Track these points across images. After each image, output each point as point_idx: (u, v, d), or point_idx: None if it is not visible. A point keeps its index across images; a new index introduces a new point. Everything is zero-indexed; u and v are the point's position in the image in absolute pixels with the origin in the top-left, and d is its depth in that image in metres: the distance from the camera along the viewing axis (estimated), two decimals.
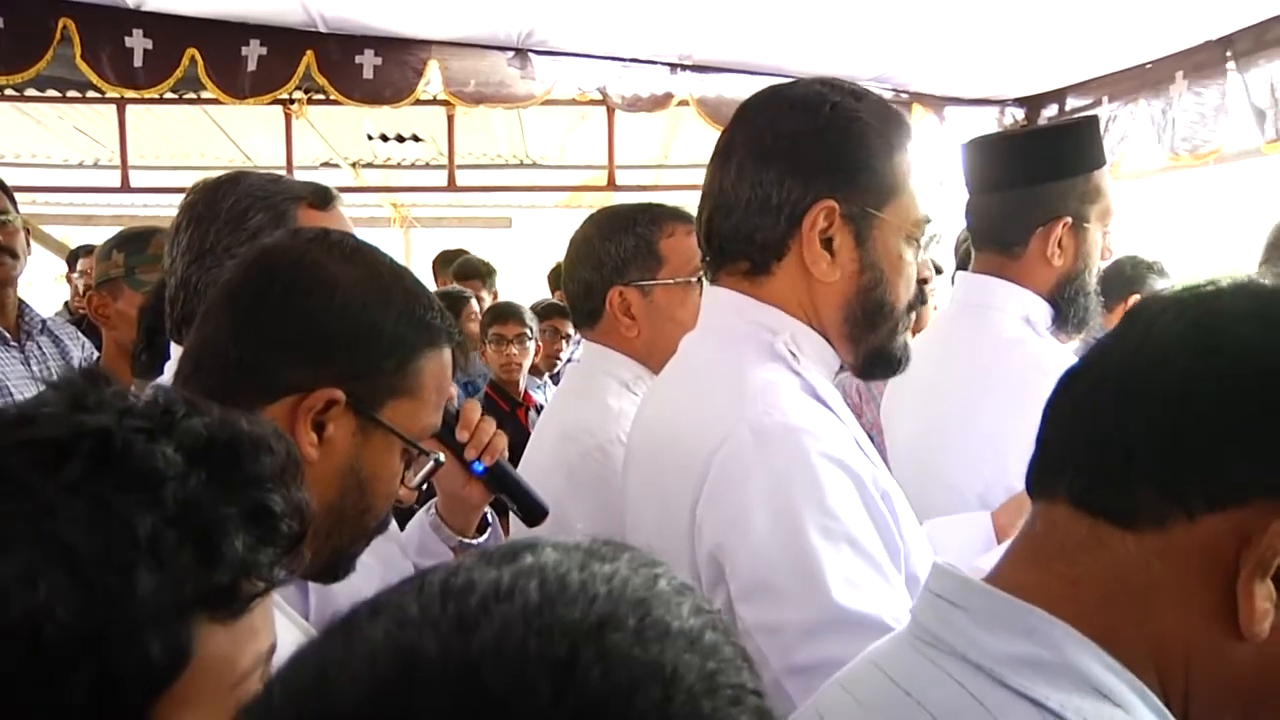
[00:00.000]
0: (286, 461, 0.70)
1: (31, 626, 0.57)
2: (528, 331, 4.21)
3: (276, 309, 1.08)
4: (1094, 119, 2.10)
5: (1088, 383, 0.76)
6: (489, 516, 1.65)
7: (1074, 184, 1.94)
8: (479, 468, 1.51)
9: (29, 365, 2.90)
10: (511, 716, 0.43)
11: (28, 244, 2.95)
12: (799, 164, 1.28)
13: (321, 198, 1.50)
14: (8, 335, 2.89)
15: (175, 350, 1.50)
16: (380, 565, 1.43)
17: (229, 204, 1.46)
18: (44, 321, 3.04)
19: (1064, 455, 0.76)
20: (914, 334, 1.48)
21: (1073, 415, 0.76)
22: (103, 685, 0.59)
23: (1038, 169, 1.96)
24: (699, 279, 1.93)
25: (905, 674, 0.77)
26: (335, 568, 1.14)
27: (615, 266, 1.93)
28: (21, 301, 2.99)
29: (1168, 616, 0.70)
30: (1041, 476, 0.78)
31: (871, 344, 1.34)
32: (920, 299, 1.38)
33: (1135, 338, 0.75)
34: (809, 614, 1.12)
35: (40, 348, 2.97)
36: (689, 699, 0.46)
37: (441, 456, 1.20)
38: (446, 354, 1.17)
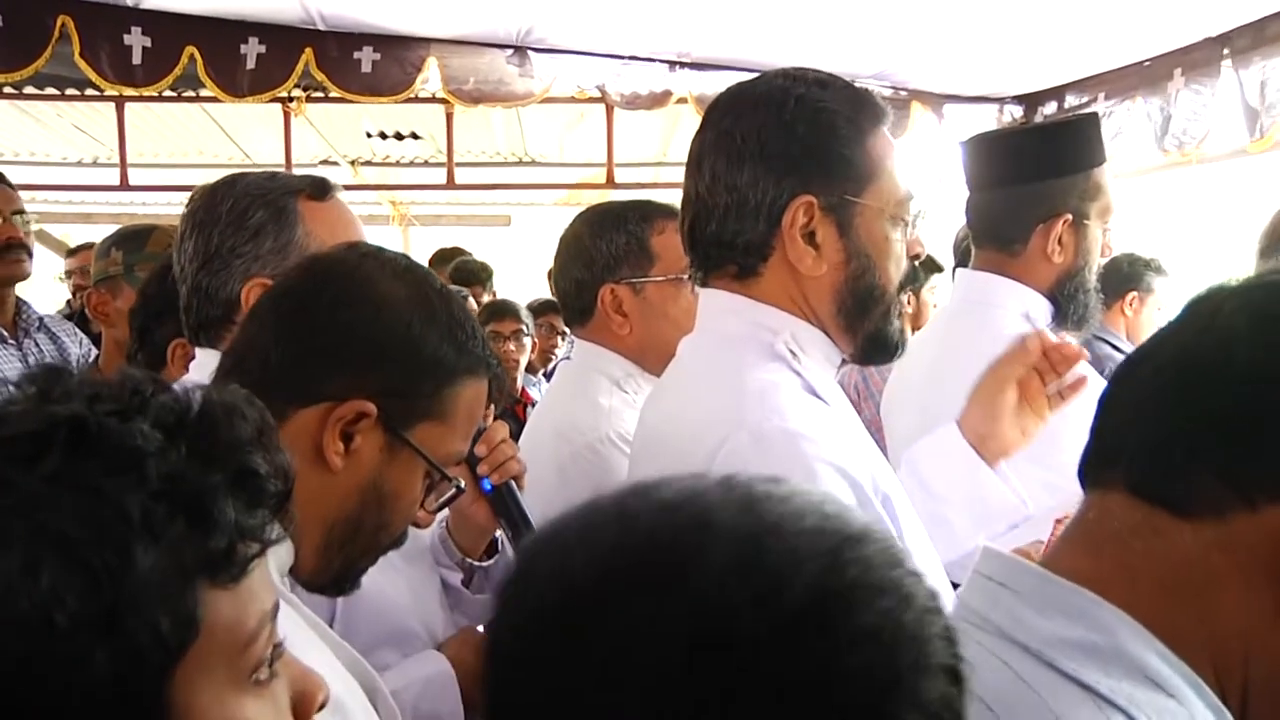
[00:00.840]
0: (262, 424, 0.71)
1: (42, 616, 0.58)
2: (524, 328, 4.22)
3: (322, 317, 1.10)
4: (1094, 116, 2.10)
5: (1147, 370, 0.75)
6: (499, 542, 1.64)
7: (1074, 181, 1.94)
8: (486, 485, 1.51)
9: (27, 362, 2.93)
10: (780, 583, 0.52)
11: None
12: (770, 163, 1.27)
13: (320, 188, 1.51)
14: (5, 333, 2.93)
15: (200, 354, 1.50)
16: (404, 562, 1.43)
17: (228, 206, 1.47)
18: (41, 319, 3.07)
19: (1120, 443, 0.74)
20: (914, 330, 1.48)
21: (1131, 403, 0.75)
22: (120, 664, 0.60)
23: (1038, 166, 1.96)
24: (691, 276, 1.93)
25: None
26: (343, 580, 1.16)
27: (607, 264, 1.92)
28: (19, 299, 3.03)
29: (1227, 610, 0.68)
30: (1096, 464, 0.76)
31: (867, 330, 1.33)
32: (911, 277, 1.37)
33: (1198, 326, 0.73)
34: None
35: (38, 345, 3.00)
36: (916, 617, 0.55)
37: (464, 483, 1.21)
38: (484, 384, 1.17)
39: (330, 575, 1.14)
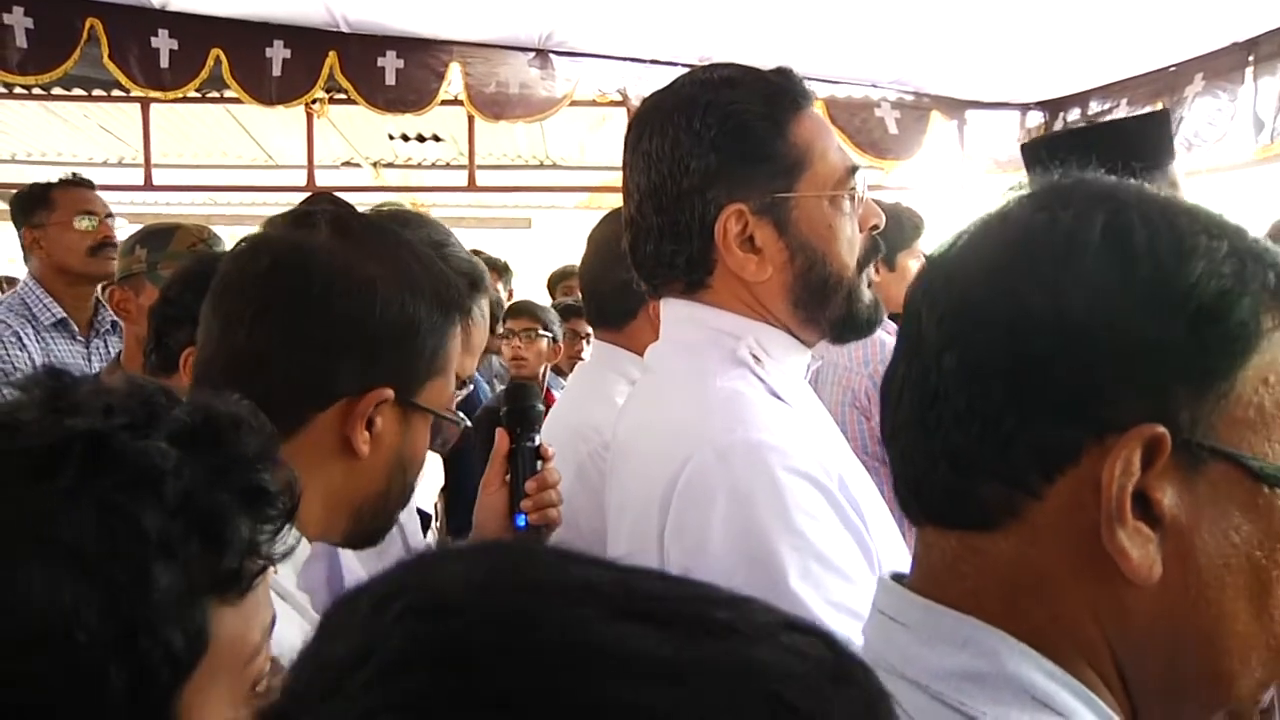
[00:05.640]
0: (268, 439, 0.71)
1: (65, 634, 0.58)
2: (539, 328, 4.22)
3: (319, 318, 1.08)
4: (1164, 113, 2.06)
5: (893, 398, 0.72)
6: None
7: (1150, 179, 1.90)
8: (521, 520, 1.49)
9: (91, 362, 3.08)
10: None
11: None
12: (691, 179, 1.23)
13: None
14: (77, 330, 3.10)
15: None
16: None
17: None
18: (114, 322, 3.19)
19: (906, 479, 0.72)
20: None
21: (893, 438, 0.73)
22: (134, 680, 0.60)
23: (1115, 162, 1.93)
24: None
25: None
26: (377, 537, 1.18)
27: None
28: (96, 300, 3.20)
29: (1068, 599, 0.66)
30: (903, 504, 0.74)
31: (830, 318, 1.29)
32: (875, 249, 1.32)
33: (912, 343, 0.71)
34: None
35: (106, 345, 3.16)
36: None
37: (468, 420, 1.23)
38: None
39: (365, 538, 1.17)
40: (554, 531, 1.53)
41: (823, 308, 1.28)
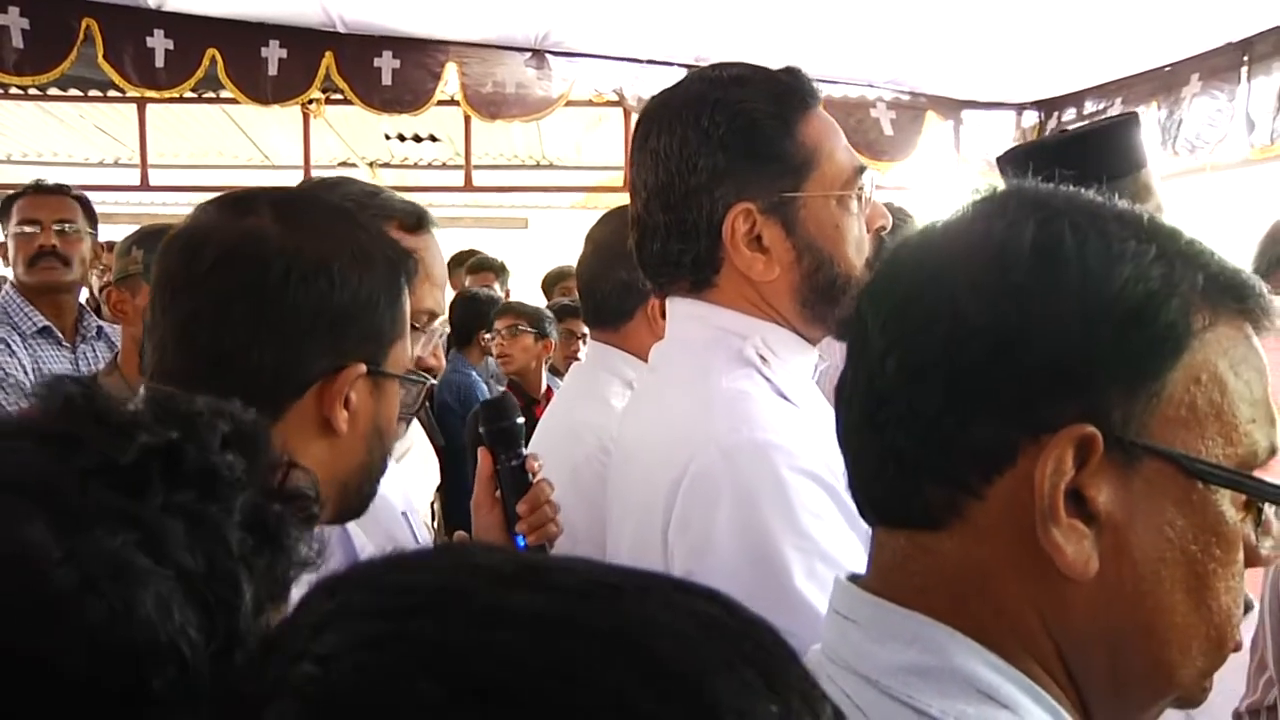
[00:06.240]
0: (279, 442, 0.71)
1: (176, 652, 0.58)
2: (522, 324, 4.23)
3: (281, 308, 1.06)
4: (1133, 116, 2.06)
5: (844, 401, 0.75)
6: None
7: (1122, 185, 1.90)
8: (520, 542, 1.47)
9: (78, 367, 3.06)
10: None
11: (97, 257, 3.22)
12: (699, 177, 1.23)
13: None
14: (61, 337, 3.07)
15: None
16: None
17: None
18: (100, 327, 3.20)
19: (857, 480, 0.75)
20: None
21: (845, 440, 0.76)
22: (224, 691, 0.60)
23: (1084, 172, 1.93)
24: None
25: None
26: (363, 507, 1.18)
27: None
28: (82, 307, 3.19)
29: (1010, 594, 0.68)
30: (857, 505, 0.77)
31: (838, 317, 1.25)
32: (882, 250, 1.30)
33: (858, 347, 0.73)
34: (799, 637, 1.07)
35: (94, 350, 3.14)
36: None
37: (433, 380, 1.25)
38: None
39: (353, 511, 1.18)
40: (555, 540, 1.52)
41: (830, 307, 1.28)
